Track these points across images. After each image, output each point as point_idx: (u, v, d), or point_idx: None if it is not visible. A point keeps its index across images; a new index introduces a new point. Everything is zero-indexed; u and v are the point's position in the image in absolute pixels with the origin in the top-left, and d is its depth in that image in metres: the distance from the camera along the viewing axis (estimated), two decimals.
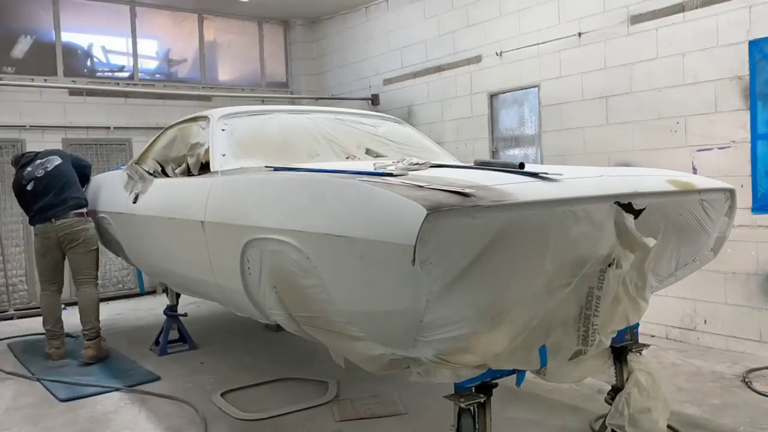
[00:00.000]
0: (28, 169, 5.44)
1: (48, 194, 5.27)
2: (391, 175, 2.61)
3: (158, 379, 4.74)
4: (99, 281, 5.52)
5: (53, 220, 5.19)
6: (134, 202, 4.62)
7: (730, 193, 3.18)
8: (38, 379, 4.77)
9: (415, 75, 7.94)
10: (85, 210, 5.35)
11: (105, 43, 8.60)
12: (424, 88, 7.82)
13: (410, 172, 2.71)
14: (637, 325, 3.19)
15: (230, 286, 3.35)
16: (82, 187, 5.65)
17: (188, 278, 4.16)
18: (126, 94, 8.31)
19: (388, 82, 8.38)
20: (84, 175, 5.74)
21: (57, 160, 5.44)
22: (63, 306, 5.46)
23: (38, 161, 5.45)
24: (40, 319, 7.11)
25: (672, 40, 5.27)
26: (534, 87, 6.47)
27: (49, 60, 7.97)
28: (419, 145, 4.61)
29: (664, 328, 5.46)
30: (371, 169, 2.82)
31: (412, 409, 3.94)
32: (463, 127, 7.31)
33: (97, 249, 5.42)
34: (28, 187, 5.34)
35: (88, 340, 5.20)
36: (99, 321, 5.31)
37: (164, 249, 4.34)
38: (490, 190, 2.24)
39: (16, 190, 5.55)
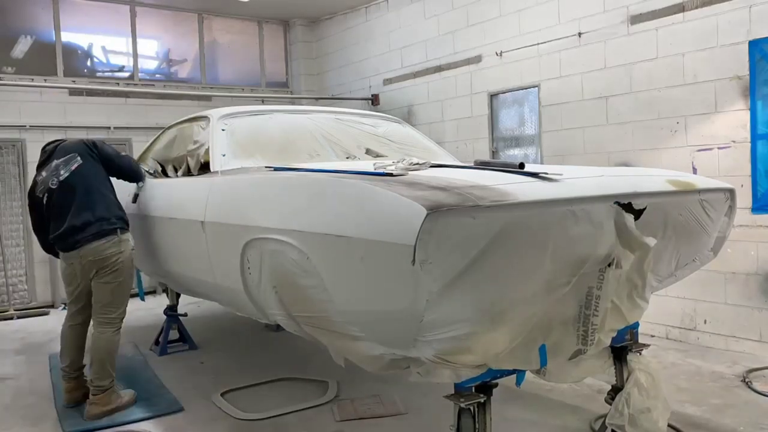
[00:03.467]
0: (43, 173, 4.13)
1: (65, 215, 3.97)
2: (391, 175, 2.61)
3: (181, 410, 4.12)
4: (122, 323, 4.16)
5: (78, 248, 3.96)
6: (134, 202, 4.62)
7: (730, 193, 3.18)
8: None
9: (415, 75, 7.94)
10: (116, 230, 4.00)
11: (105, 43, 8.61)
12: (424, 88, 7.82)
13: (410, 172, 2.71)
14: (637, 325, 3.19)
15: (230, 286, 3.35)
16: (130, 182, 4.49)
17: (188, 278, 4.16)
18: (126, 94, 8.31)
19: (388, 82, 8.38)
20: (124, 175, 4.40)
21: (77, 161, 4.03)
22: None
23: (55, 162, 4.08)
24: (41, 319, 7.23)
25: (672, 40, 5.27)
26: (534, 87, 6.47)
27: (49, 60, 7.98)
28: (419, 145, 4.61)
29: (664, 328, 5.46)
30: (371, 169, 2.82)
31: (412, 409, 3.94)
32: (463, 127, 7.31)
33: (125, 281, 4.06)
34: (44, 200, 4.08)
35: (93, 395, 4.04)
36: (113, 374, 4.10)
37: (164, 249, 4.34)
38: (490, 190, 2.24)
39: (29, 201, 4.27)
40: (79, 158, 4.05)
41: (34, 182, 4.19)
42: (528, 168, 2.71)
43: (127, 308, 4.17)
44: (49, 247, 4.26)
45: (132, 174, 4.47)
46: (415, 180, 2.42)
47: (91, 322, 4.19)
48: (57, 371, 4.64)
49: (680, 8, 5.21)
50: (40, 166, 4.21)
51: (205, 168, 3.96)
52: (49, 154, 4.20)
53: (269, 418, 3.91)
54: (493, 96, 6.96)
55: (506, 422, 3.62)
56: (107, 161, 4.21)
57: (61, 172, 4.01)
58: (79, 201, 3.96)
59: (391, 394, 4.16)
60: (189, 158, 4.25)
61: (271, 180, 3.19)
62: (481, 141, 7.08)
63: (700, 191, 3.02)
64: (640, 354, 3.24)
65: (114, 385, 4.11)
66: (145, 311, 7.16)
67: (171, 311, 5.68)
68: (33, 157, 7.58)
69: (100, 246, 3.93)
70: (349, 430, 3.70)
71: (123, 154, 4.35)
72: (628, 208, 2.57)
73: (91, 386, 4.04)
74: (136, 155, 5.88)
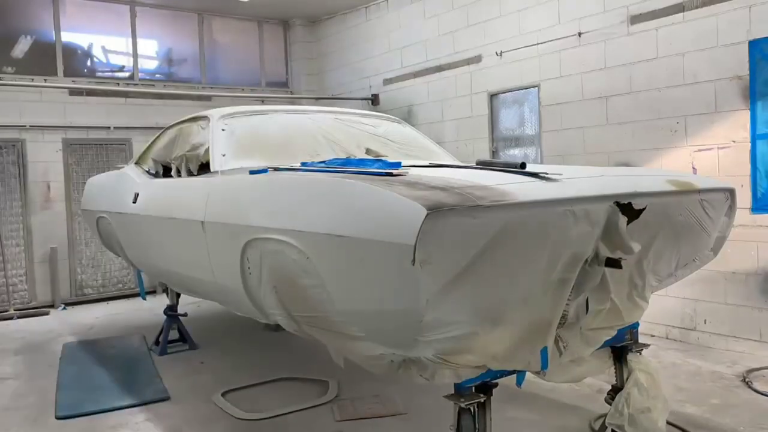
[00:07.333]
0: None
1: None
2: (390, 174, 2.61)
3: (167, 399, 4.29)
4: None
5: None
6: (134, 202, 4.62)
7: (730, 192, 3.18)
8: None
9: (415, 75, 7.94)
10: None
11: (105, 43, 8.60)
12: (424, 88, 7.82)
13: (410, 172, 2.71)
14: (637, 324, 3.19)
15: (230, 286, 3.35)
16: None
17: (188, 278, 4.16)
18: (126, 94, 8.31)
19: (388, 82, 8.38)
20: None
21: None
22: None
23: None
24: (41, 319, 7.23)
25: (672, 40, 5.27)
26: (534, 87, 6.47)
27: (49, 60, 7.98)
28: (419, 145, 4.61)
29: (664, 328, 5.46)
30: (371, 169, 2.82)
31: (412, 409, 3.94)
32: (463, 127, 7.30)
33: None
34: None
35: None
36: None
37: (164, 249, 4.34)
38: (490, 190, 2.24)
39: None
40: None
41: None
42: (528, 168, 2.71)
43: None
44: None
45: None
46: (415, 180, 2.42)
47: None
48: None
49: (680, 8, 5.21)
50: None
51: (205, 168, 3.97)
52: None
53: (269, 418, 3.91)
54: (493, 96, 6.96)
55: (506, 422, 3.62)
56: None
57: None
58: None
59: (391, 394, 4.15)
60: (189, 158, 4.25)
61: (271, 180, 3.19)
62: (481, 141, 7.08)
63: (700, 191, 3.02)
64: (640, 354, 3.24)
65: None
66: (145, 311, 7.15)
67: (171, 311, 5.67)
68: (33, 157, 7.63)
69: None
70: (349, 430, 3.70)
71: None
72: (627, 208, 2.57)
73: None
74: (136, 155, 5.88)
